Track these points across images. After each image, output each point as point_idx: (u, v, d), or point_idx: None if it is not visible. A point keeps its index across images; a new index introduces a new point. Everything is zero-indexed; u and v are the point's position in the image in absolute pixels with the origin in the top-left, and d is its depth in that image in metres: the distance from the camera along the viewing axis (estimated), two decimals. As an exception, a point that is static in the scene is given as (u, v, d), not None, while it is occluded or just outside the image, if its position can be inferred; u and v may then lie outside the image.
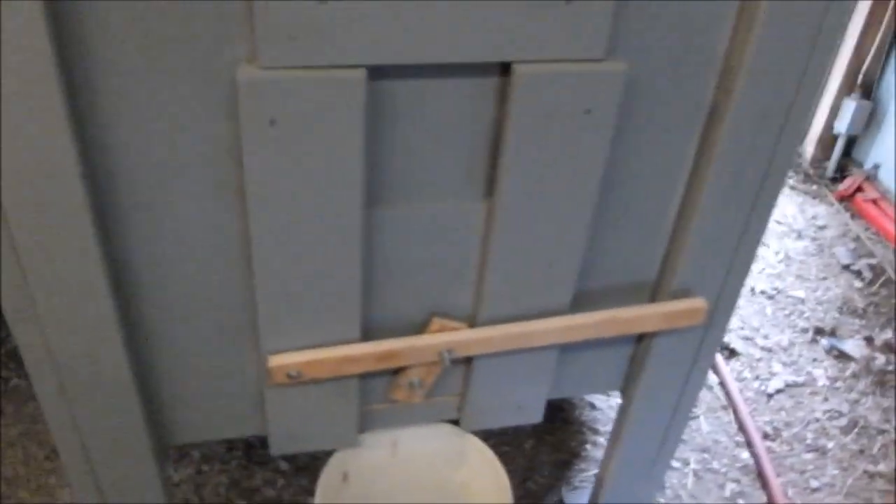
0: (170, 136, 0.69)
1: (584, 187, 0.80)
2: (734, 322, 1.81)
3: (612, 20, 0.70)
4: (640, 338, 1.02)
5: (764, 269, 2.01)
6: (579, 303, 0.93)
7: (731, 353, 1.73)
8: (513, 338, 0.89)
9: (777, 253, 2.08)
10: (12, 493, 1.35)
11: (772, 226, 2.18)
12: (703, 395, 1.63)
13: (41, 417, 1.45)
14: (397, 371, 0.94)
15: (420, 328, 0.90)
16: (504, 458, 1.46)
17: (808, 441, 1.55)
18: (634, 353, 1.04)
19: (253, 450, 1.45)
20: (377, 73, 0.69)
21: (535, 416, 1.04)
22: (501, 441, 1.49)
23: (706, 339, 1.01)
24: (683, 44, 0.76)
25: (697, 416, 1.58)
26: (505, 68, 0.72)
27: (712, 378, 1.66)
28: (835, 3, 0.74)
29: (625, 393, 1.09)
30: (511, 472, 1.43)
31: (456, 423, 1.07)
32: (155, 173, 0.72)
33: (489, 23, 0.68)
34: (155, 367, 0.87)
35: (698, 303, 0.92)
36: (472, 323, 0.90)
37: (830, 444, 1.54)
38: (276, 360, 0.85)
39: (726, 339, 1.76)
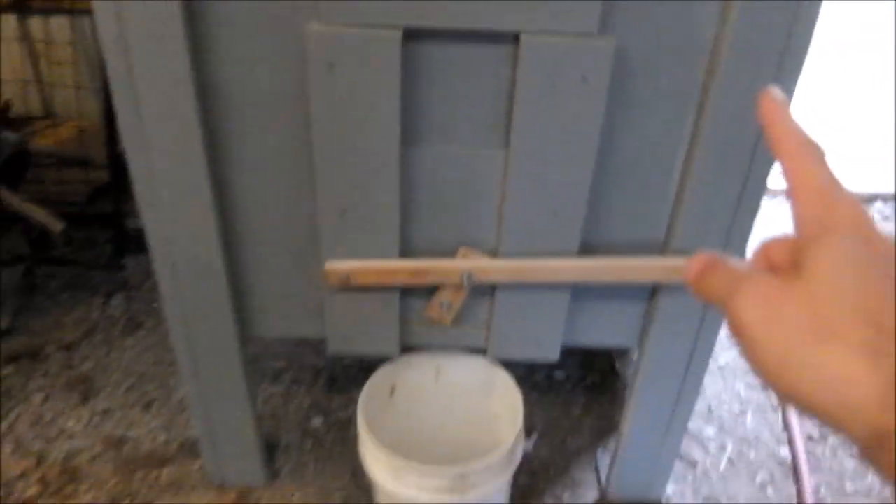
0: (258, 77, 0.94)
1: (583, 144, 0.97)
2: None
3: (602, 4, 0.87)
4: (652, 295, 1.16)
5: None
6: (591, 253, 1.09)
7: (794, 361, 1.78)
8: (523, 270, 1.06)
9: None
10: (141, 385, 1.66)
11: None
12: (756, 395, 1.70)
13: (172, 333, 1.77)
14: (432, 293, 1.14)
15: (450, 256, 1.09)
16: (552, 420, 1.62)
17: (854, 450, 1.58)
18: (647, 310, 1.18)
19: (335, 381, 1.69)
20: (413, 35, 0.90)
21: (551, 353, 1.20)
22: (551, 403, 1.65)
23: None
24: (672, 26, 0.92)
25: (745, 412, 1.66)
26: (515, 38, 0.91)
27: (768, 379, 1.73)
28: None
29: (639, 350, 1.23)
30: (554, 432, 1.60)
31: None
32: (247, 107, 0.97)
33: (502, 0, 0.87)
34: (242, 265, 1.12)
35: (691, 260, 1.06)
36: (494, 256, 1.09)
37: (877, 455, 1.57)
38: (331, 266, 1.08)
39: (791, 347, 1.81)
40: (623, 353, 1.71)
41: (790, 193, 0.34)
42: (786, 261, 0.34)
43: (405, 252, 1.09)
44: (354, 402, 1.64)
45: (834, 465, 1.55)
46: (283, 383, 1.68)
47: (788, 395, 0.31)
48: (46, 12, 1.91)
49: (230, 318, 1.15)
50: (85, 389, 1.66)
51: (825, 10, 0.89)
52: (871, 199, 2.55)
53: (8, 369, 1.69)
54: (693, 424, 1.60)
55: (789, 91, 0.93)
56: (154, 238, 1.07)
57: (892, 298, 0.29)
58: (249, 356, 1.26)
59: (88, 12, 1.93)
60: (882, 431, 0.28)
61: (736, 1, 0.88)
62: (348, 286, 1.09)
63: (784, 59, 0.91)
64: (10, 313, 1.78)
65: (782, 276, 0.32)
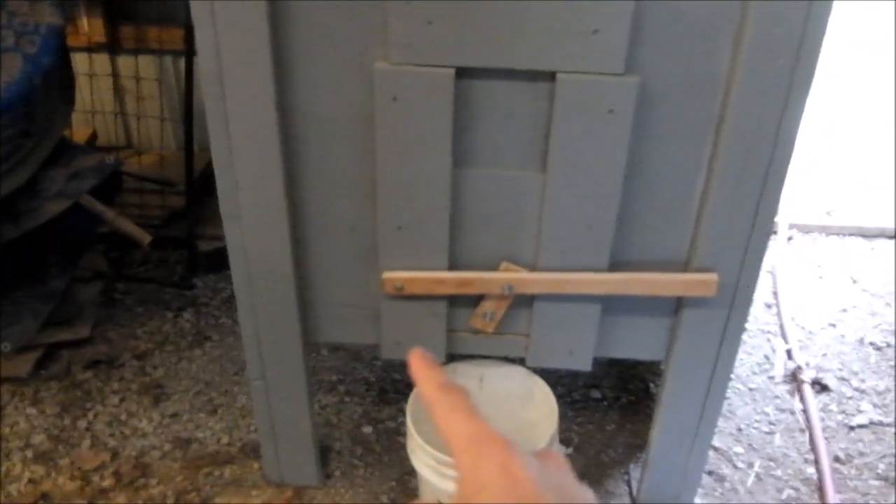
0: (331, 106, 1.10)
1: (612, 168, 1.10)
2: (833, 363, 1.93)
3: (627, 46, 1.01)
4: (677, 311, 1.27)
5: (880, 324, 2.09)
6: (619, 270, 1.21)
7: (823, 388, 1.85)
8: (559, 282, 1.18)
9: (899, 312, 2.15)
10: (207, 392, 1.81)
11: (901, 289, 2.25)
12: (784, 417, 1.78)
13: (236, 345, 1.92)
14: (476, 304, 1.26)
15: (494, 270, 1.22)
16: (586, 433, 1.72)
17: (880, 471, 1.65)
18: (672, 325, 1.29)
19: (385, 393, 1.82)
20: (464, 73, 1.05)
21: (584, 363, 1.31)
22: (587, 420, 1.75)
23: (731, 317, 1.24)
24: (690, 64, 1.04)
25: (774, 433, 1.73)
26: (552, 76, 1.04)
27: (796, 405, 1.80)
28: (811, 27, 0.99)
29: (665, 363, 1.33)
30: (589, 446, 1.69)
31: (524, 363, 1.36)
32: (320, 131, 1.12)
33: (540, 43, 1.01)
34: (309, 274, 1.27)
35: (711, 277, 1.17)
36: (533, 270, 1.21)
37: (903, 478, 1.63)
38: (387, 275, 1.21)
39: (820, 375, 1.88)
40: (658, 375, 1.81)
41: (447, 446, 0.35)
42: None
43: (453, 265, 1.22)
44: (403, 413, 1.76)
45: (859, 484, 1.61)
46: (338, 394, 1.81)
47: None
48: (136, 52, 2.12)
49: (296, 324, 1.29)
50: (156, 394, 1.81)
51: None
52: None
53: (88, 374, 1.85)
54: (722, 442, 1.68)
55: (797, 119, 1.05)
56: (233, 247, 1.22)
57: None
58: (310, 365, 1.40)
59: (173, 52, 2.14)
60: None
61: (745, 39, 1.00)
62: (402, 294, 1.23)
63: (791, 90, 1.03)
64: (90, 324, 1.95)
65: None
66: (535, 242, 1.19)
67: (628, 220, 1.17)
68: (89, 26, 2.15)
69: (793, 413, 1.79)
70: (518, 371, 1.41)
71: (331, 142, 1.13)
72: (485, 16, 1.00)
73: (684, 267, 1.21)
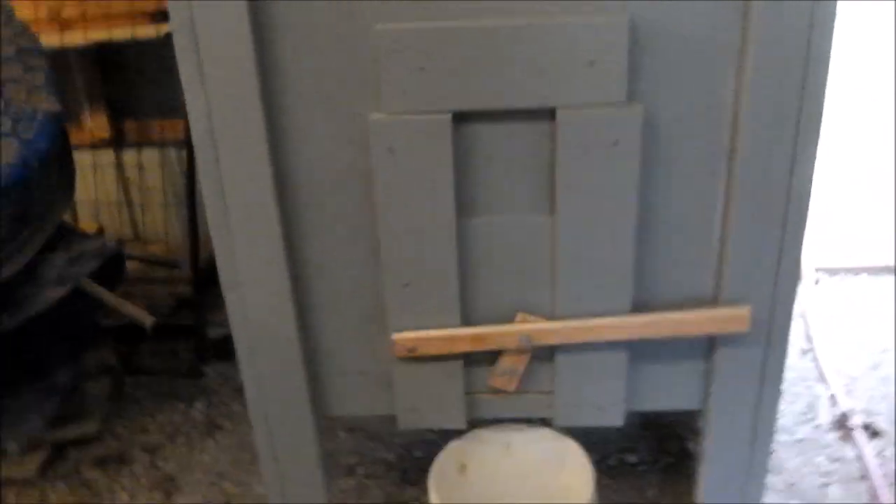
0: (327, 162, 1.06)
1: (623, 204, 1.04)
2: (881, 406, 1.82)
3: (627, 75, 0.97)
4: (710, 352, 1.18)
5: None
6: (644, 312, 1.14)
7: (874, 434, 1.73)
8: (578, 330, 1.11)
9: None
10: (220, 483, 1.72)
11: (942, 325, 2.14)
12: (838, 467, 1.66)
13: (249, 433, 1.84)
14: (494, 362, 1.19)
15: (509, 321, 1.15)
16: (625, 500, 1.61)
17: (949, 520, 1.51)
18: (707, 369, 1.20)
19: (407, 472, 1.72)
20: (462, 118, 1.01)
21: (615, 419, 1.22)
22: (625, 485, 1.64)
23: (769, 356, 1.15)
24: (694, 92, 1.00)
25: (828, 484, 1.61)
26: (552, 113, 1.00)
27: (849, 452, 1.68)
28: (814, 54, 0.95)
29: (704, 411, 1.24)
30: (628, 511, 1.58)
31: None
32: (318, 189, 1.08)
33: (536, 79, 0.98)
34: (315, 343, 1.20)
35: (743, 310, 1.09)
36: (550, 319, 1.14)
37: (974, 525, 1.50)
38: (398, 337, 1.15)
39: (870, 420, 1.77)
40: (696, 433, 1.70)
41: None
42: None
43: (466, 320, 1.15)
44: (427, 492, 1.66)
45: (927, 536, 1.48)
46: (357, 477, 1.72)
47: None
48: (138, 145, 2.14)
49: (305, 396, 1.22)
50: (168, 488, 1.72)
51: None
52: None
53: (96, 472, 1.77)
54: (775, 500, 1.56)
55: (814, 138, 1.00)
56: (235, 318, 1.16)
57: None
58: (324, 447, 1.31)
59: (175, 143, 2.15)
60: None
61: (748, 60, 0.96)
62: (414, 356, 1.16)
63: (802, 110, 0.98)
64: (98, 420, 1.89)
65: None
66: (551, 289, 1.13)
67: (647, 257, 1.10)
68: (93, 123, 2.17)
69: (846, 462, 1.67)
70: (546, 433, 1.32)
71: (329, 199, 1.09)
72: (477, 57, 0.97)
73: (713, 302, 1.14)
